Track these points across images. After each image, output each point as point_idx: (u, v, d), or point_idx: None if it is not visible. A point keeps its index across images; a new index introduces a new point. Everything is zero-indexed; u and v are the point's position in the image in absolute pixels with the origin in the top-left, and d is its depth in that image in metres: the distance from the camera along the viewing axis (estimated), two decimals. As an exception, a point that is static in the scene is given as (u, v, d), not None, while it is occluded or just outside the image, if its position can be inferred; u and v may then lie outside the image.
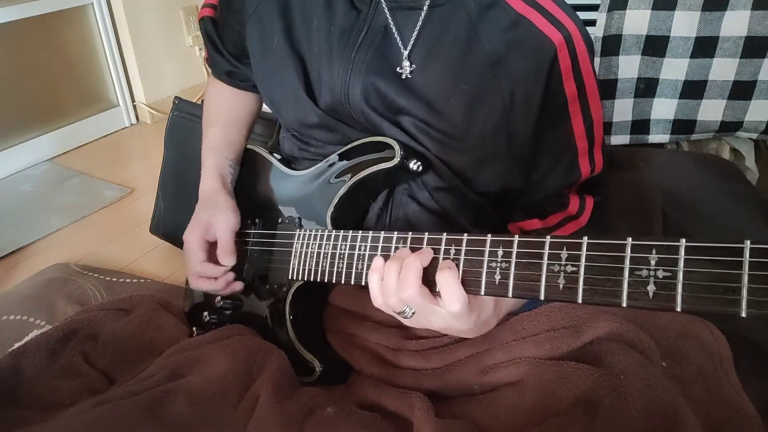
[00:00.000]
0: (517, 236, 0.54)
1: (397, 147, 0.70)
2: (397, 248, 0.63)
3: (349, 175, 0.74)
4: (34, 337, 0.86)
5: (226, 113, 0.92)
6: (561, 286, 0.49)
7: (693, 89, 1.34)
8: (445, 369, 0.73)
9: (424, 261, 0.58)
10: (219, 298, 0.86)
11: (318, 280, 0.72)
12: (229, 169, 0.88)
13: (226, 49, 0.90)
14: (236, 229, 0.82)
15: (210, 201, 0.84)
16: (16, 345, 0.87)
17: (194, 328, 0.89)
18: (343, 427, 0.65)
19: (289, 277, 0.77)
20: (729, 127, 1.36)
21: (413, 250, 0.61)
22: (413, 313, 0.59)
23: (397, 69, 0.71)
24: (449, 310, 0.56)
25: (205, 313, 0.88)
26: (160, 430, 0.62)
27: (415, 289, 0.56)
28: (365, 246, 0.66)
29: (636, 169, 1.20)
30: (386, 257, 0.62)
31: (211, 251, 0.83)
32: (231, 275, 0.82)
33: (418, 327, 0.63)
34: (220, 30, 0.89)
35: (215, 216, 0.82)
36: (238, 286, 0.84)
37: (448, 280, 0.55)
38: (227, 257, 0.81)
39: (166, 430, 0.63)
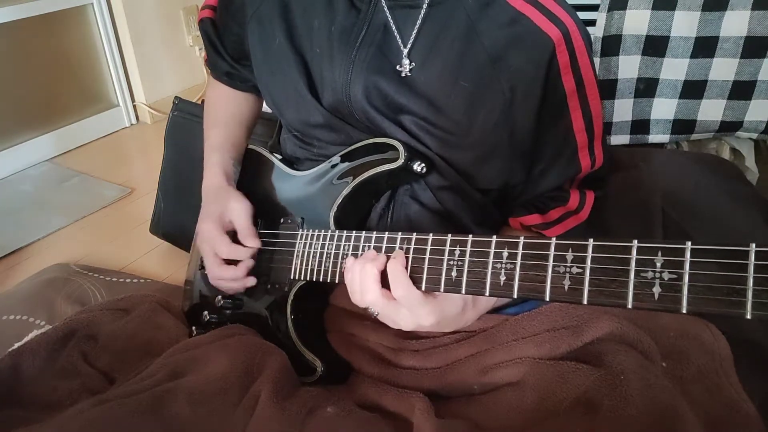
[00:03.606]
0: (522, 238, 0.54)
1: (401, 148, 0.70)
2: (401, 248, 0.63)
3: (353, 176, 0.74)
4: (34, 337, 0.86)
5: (227, 114, 0.92)
6: (566, 288, 0.50)
7: (693, 89, 1.34)
8: (445, 369, 0.74)
9: (380, 266, 0.62)
10: (219, 297, 0.86)
11: (320, 280, 0.72)
12: (232, 168, 0.87)
13: (226, 50, 0.90)
14: (252, 214, 0.81)
15: (216, 195, 0.83)
16: (16, 345, 0.87)
17: (194, 328, 0.89)
18: (343, 427, 0.65)
19: (291, 277, 0.77)
20: (729, 127, 1.36)
21: (416, 251, 0.61)
22: (378, 313, 0.64)
23: (397, 67, 0.71)
24: (394, 294, 0.61)
25: (205, 313, 0.88)
26: (160, 429, 0.62)
27: (375, 291, 0.61)
28: (368, 246, 0.66)
29: (636, 169, 1.20)
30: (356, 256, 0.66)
31: (230, 238, 0.81)
32: (252, 261, 0.81)
33: (394, 326, 0.65)
34: (219, 31, 0.89)
35: (228, 204, 0.81)
36: (252, 281, 0.82)
37: (393, 268, 0.61)
38: (251, 239, 0.79)
39: (166, 430, 0.62)
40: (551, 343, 0.70)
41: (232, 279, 0.81)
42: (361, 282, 0.63)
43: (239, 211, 0.80)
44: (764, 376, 0.77)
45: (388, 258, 0.63)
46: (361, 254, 0.66)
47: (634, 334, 0.69)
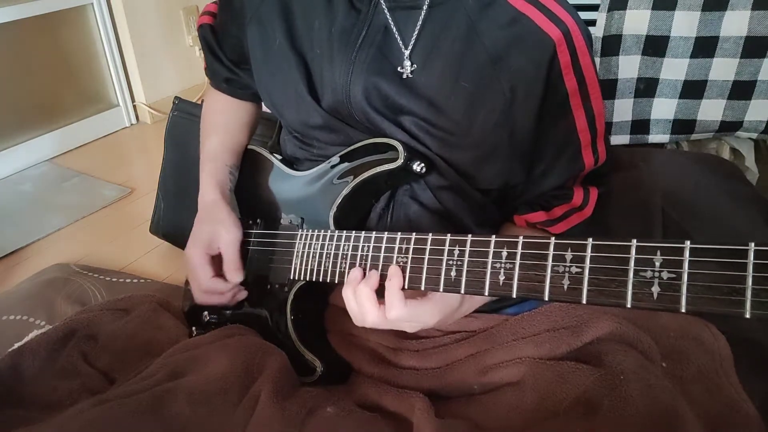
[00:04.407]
0: (521, 237, 0.54)
1: (400, 148, 0.70)
2: (400, 249, 0.63)
3: (353, 176, 0.74)
4: (34, 337, 0.86)
5: (225, 121, 0.92)
6: (565, 287, 0.50)
7: (693, 89, 1.34)
8: (445, 369, 0.74)
9: (373, 285, 0.63)
10: (219, 298, 0.87)
11: (320, 280, 0.72)
12: (228, 176, 0.87)
13: (225, 55, 0.89)
14: (240, 242, 0.82)
15: (210, 214, 0.83)
16: (16, 345, 0.87)
17: (193, 328, 0.89)
18: (343, 427, 0.65)
19: (291, 278, 0.77)
20: (729, 126, 1.36)
21: (415, 251, 0.61)
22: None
23: (398, 69, 0.71)
24: (388, 316, 0.61)
25: (205, 313, 0.88)
26: (160, 429, 0.62)
27: (373, 313, 0.62)
28: (368, 246, 0.66)
29: (636, 169, 1.20)
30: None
31: (216, 265, 0.82)
32: (237, 289, 0.82)
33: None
34: (219, 36, 0.89)
35: (218, 231, 0.81)
36: (243, 295, 0.83)
37: (391, 289, 0.61)
38: (235, 274, 0.80)
39: (166, 430, 0.63)
40: (551, 343, 0.70)
41: (218, 303, 0.83)
42: (358, 306, 0.63)
43: (228, 240, 0.81)
44: (764, 376, 0.77)
45: (382, 275, 0.63)
46: (349, 275, 0.66)
47: (634, 334, 0.69)
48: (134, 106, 2.27)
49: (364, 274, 0.65)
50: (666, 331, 0.73)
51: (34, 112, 2.00)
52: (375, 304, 0.62)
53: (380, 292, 0.63)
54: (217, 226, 0.81)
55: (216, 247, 0.82)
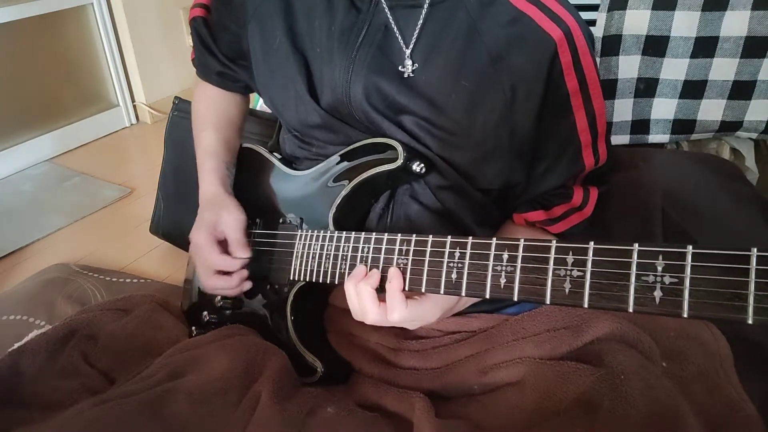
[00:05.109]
0: (522, 240, 0.54)
1: (400, 148, 0.70)
2: (401, 250, 0.63)
3: (352, 177, 0.73)
4: (34, 337, 0.86)
5: (217, 116, 0.91)
6: (567, 291, 0.49)
7: (693, 89, 1.34)
8: (445, 369, 0.74)
9: (374, 283, 0.63)
10: (219, 297, 0.86)
11: (320, 281, 0.72)
12: (227, 172, 0.87)
13: (221, 50, 0.88)
14: (245, 226, 0.81)
15: (212, 203, 0.83)
16: (16, 345, 0.87)
17: (193, 328, 0.89)
18: (343, 427, 0.66)
19: (291, 278, 0.77)
20: (729, 126, 1.36)
21: (416, 252, 0.61)
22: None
23: (399, 68, 0.71)
24: (389, 319, 0.62)
25: (205, 313, 0.88)
26: (160, 429, 0.62)
27: (374, 312, 0.63)
28: (368, 248, 0.66)
29: (636, 169, 1.20)
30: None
31: (222, 248, 0.81)
32: (245, 271, 0.81)
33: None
34: (213, 31, 0.88)
35: (221, 215, 0.81)
36: (248, 285, 0.82)
37: (391, 291, 0.62)
38: (242, 250, 0.79)
39: (166, 430, 0.63)
40: (551, 343, 0.70)
41: (225, 288, 0.81)
42: (359, 304, 0.64)
43: (231, 222, 0.80)
44: (764, 376, 0.77)
45: (382, 275, 0.63)
46: (351, 271, 0.66)
47: (634, 334, 0.69)
48: (134, 106, 2.27)
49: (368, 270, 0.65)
50: (666, 331, 0.73)
51: (34, 112, 2.00)
52: (376, 302, 0.62)
53: (381, 288, 0.63)
54: (220, 211, 0.81)
55: (221, 230, 0.81)
